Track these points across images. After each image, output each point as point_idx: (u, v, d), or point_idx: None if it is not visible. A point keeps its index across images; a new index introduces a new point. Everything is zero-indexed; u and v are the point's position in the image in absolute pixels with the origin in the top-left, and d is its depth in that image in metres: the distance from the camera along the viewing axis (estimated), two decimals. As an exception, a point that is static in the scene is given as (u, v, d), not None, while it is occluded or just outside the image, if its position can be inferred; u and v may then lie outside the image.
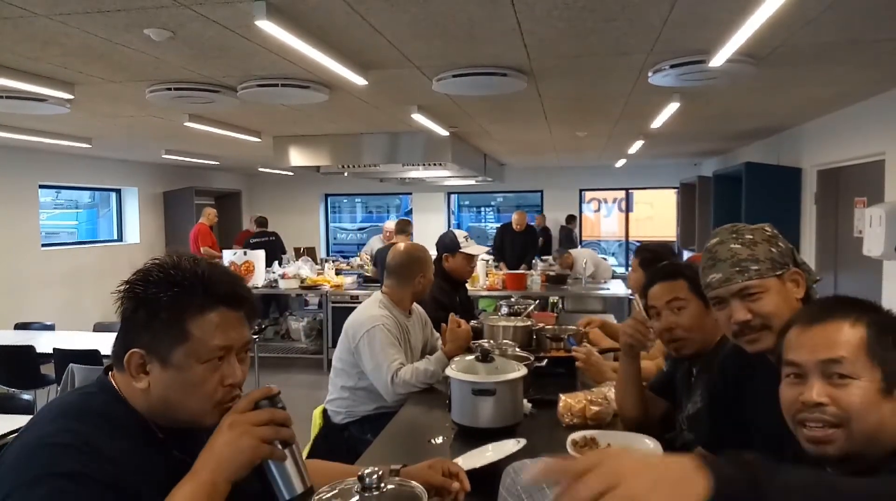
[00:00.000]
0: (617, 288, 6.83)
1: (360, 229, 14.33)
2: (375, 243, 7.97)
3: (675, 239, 10.24)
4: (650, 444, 1.87)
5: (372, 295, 2.89)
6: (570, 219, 11.19)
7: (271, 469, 1.08)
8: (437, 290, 3.39)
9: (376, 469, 1.13)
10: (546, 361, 2.67)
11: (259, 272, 6.96)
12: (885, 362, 1.01)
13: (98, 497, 0.95)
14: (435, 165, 6.65)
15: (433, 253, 3.50)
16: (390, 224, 7.64)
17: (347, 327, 2.73)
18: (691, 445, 1.78)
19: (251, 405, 1.06)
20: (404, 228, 6.74)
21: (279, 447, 1.06)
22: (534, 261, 7.97)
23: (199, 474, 1.00)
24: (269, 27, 2.60)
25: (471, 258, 3.57)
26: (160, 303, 1.05)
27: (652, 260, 3.06)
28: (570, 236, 10.94)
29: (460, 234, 3.63)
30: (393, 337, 2.64)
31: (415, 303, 2.97)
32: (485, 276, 6.80)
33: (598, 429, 2.00)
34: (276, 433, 1.05)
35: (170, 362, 1.05)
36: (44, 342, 4.59)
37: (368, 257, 7.82)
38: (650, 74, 3.71)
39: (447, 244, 3.58)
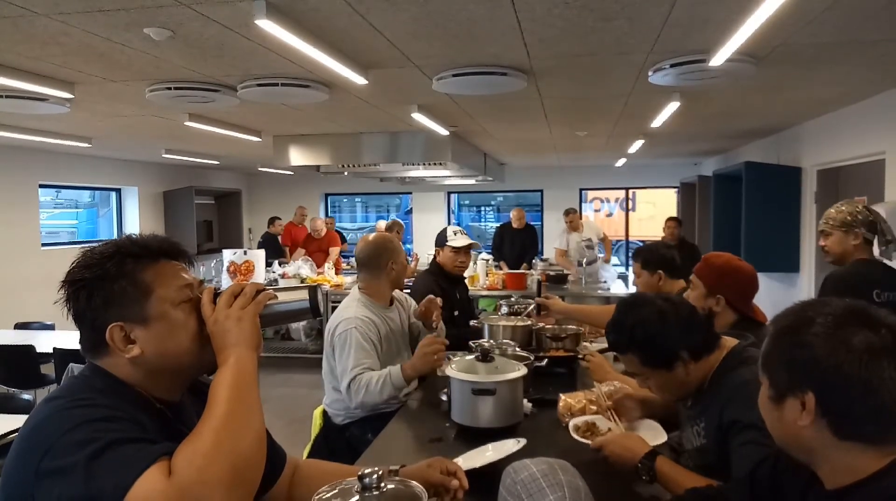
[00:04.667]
0: (617, 288, 6.82)
1: (360, 229, 14.31)
2: None
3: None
4: (652, 429, 1.87)
5: (350, 292, 2.82)
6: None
7: (279, 311, 1.18)
8: (429, 283, 3.36)
9: (376, 469, 1.13)
10: (546, 361, 2.67)
11: (259, 272, 6.95)
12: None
13: (140, 431, 0.98)
14: (435, 164, 6.65)
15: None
16: (382, 224, 7.63)
17: (328, 328, 2.67)
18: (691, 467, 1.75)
19: (212, 306, 1.12)
20: (393, 227, 6.77)
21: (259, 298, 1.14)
22: (534, 260, 7.95)
23: (226, 361, 1.06)
24: (268, 26, 2.60)
25: (458, 252, 3.49)
26: (110, 275, 1.07)
27: (651, 260, 3.08)
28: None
29: (452, 229, 3.58)
30: (367, 339, 2.55)
31: (396, 290, 2.91)
32: (485, 275, 6.79)
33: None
34: (246, 298, 1.13)
35: (148, 317, 1.08)
36: (44, 342, 4.58)
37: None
38: (650, 73, 3.70)
39: (437, 239, 3.57)
